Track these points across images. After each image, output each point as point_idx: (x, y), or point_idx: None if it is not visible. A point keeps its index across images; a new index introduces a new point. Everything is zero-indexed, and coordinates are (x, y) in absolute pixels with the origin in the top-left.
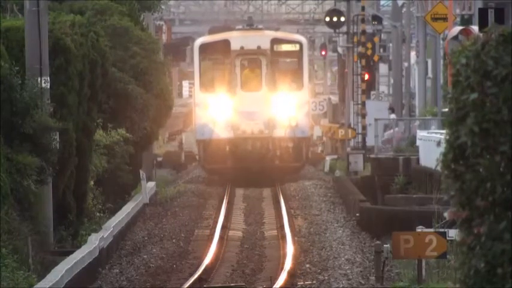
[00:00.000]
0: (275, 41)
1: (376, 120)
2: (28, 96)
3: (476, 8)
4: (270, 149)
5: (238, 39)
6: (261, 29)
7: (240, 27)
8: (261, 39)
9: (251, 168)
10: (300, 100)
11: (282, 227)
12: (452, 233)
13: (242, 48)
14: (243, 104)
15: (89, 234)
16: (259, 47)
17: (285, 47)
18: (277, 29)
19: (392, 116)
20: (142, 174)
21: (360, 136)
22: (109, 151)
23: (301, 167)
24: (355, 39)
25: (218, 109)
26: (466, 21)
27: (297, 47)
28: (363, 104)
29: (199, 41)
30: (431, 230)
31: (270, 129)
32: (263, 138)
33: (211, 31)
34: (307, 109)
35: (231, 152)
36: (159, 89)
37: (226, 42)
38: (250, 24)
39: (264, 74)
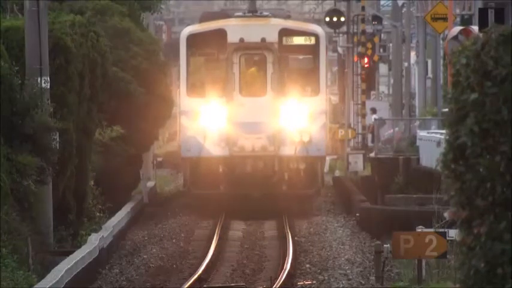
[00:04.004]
0: (284, 32)
1: (375, 120)
2: (28, 96)
3: (476, 8)
4: (276, 170)
5: (237, 28)
6: (266, 16)
7: (240, 13)
8: (266, 29)
9: (251, 195)
10: (315, 109)
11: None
12: (452, 233)
13: (242, 40)
14: (242, 113)
15: (89, 234)
16: (263, 40)
17: (297, 40)
18: (287, 17)
19: (374, 116)
20: (142, 174)
21: (359, 136)
22: (107, 149)
23: (316, 195)
24: (355, 39)
25: (210, 119)
26: (466, 21)
27: (312, 40)
28: (363, 104)
29: (187, 30)
30: (431, 230)
31: (276, 146)
32: (267, 156)
33: (204, 18)
34: (323, 120)
35: (225, 174)
36: (159, 90)
37: (221, 33)
38: (252, 11)
39: (270, 74)
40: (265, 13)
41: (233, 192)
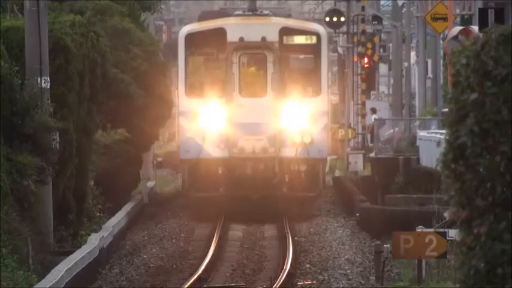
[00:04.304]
0: (285, 31)
1: (375, 120)
2: (28, 96)
3: (476, 8)
4: (276, 172)
5: (236, 27)
6: (266, 15)
7: (240, 12)
8: (266, 28)
9: (251, 197)
10: (317, 109)
11: None
12: (452, 233)
13: (242, 39)
14: (241, 114)
15: (89, 234)
16: (264, 39)
17: (298, 39)
18: (288, 16)
19: (374, 116)
20: (142, 174)
21: (359, 136)
22: (108, 151)
23: (316, 197)
24: (355, 39)
25: (209, 120)
26: (466, 21)
27: (313, 40)
28: (363, 104)
29: (185, 29)
30: (431, 230)
31: (276, 147)
32: (267, 158)
33: (202, 17)
34: (325, 122)
35: (224, 176)
36: (159, 91)
37: (221, 32)
38: (252, 9)
39: (270, 74)
40: (265, 12)
41: (233, 194)
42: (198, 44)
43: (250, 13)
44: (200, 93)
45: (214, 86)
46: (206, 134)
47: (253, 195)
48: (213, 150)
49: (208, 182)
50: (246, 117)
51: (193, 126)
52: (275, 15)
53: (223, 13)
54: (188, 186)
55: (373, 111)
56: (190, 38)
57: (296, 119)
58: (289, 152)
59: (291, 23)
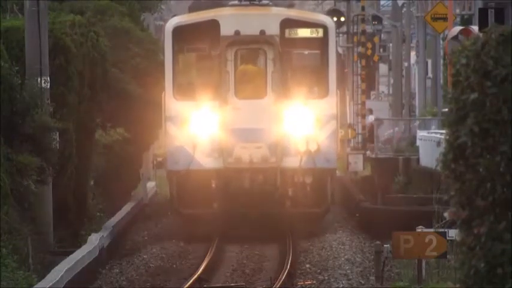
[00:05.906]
0: (287, 23)
1: (375, 120)
2: (28, 96)
3: (476, 8)
4: (278, 185)
5: (231, 19)
6: (266, 5)
7: (235, 2)
8: (266, 19)
9: (249, 214)
10: (324, 113)
11: None
12: (452, 233)
13: (237, 33)
14: (238, 118)
15: (89, 234)
16: (263, 32)
17: (302, 33)
18: (290, 6)
19: (371, 117)
20: (142, 174)
21: (360, 136)
22: (108, 151)
23: (324, 214)
24: (355, 39)
25: (200, 125)
26: (466, 21)
27: (319, 33)
28: (363, 104)
29: (173, 21)
30: (431, 230)
31: (277, 157)
32: (267, 169)
33: (193, 8)
34: (333, 127)
35: (218, 189)
36: (159, 90)
37: (213, 24)
38: None
39: (270, 72)
40: (264, 1)
41: (228, 211)
42: (188, 39)
43: (248, 3)
44: (190, 95)
45: (206, 87)
46: (197, 142)
47: (252, 211)
48: (205, 160)
49: (200, 197)
50: (242, 122)
51: (183, 133)
52: (276, 5)
53: (216, 3)
54: (177, 201)
55: (370, 111)
56: (178, 31)
57: (300, 124)
58: (292, 162)
59: (294, 13)
